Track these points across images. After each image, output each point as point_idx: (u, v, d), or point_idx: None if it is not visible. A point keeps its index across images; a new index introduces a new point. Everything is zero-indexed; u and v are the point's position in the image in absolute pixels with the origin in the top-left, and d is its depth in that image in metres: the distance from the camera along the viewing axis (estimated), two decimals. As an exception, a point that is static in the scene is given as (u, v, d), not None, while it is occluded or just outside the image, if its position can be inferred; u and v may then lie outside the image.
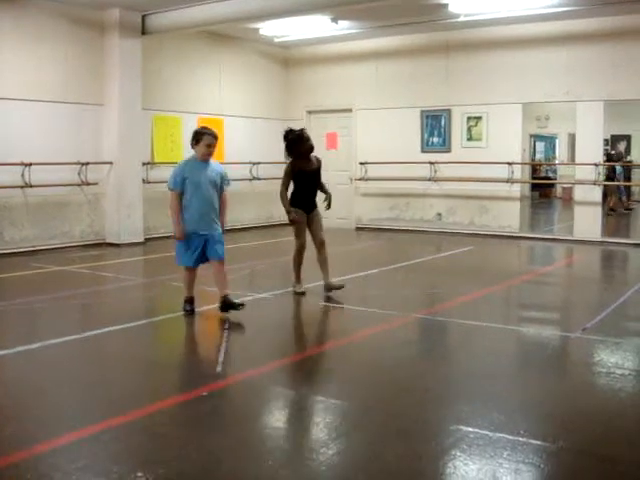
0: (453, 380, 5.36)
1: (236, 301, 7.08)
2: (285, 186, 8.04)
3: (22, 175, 11.34)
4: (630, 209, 20.43)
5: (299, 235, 8.16)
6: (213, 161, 7.14)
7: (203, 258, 7.09)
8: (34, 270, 9.96)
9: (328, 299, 8.00)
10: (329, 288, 8.20)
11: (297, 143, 8.05)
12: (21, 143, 11.36)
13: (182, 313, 7.12)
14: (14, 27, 11.29)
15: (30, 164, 11.35)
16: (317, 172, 8.23)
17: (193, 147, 7.00)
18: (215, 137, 6.98)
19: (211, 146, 6.93)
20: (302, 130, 8.18)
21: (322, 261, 8.24)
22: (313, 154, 8.19)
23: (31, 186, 11.44)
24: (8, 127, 11.24)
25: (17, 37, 11.32)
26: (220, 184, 7.11)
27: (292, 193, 8.19)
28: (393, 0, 10.85)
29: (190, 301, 7.18)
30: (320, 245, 8.22)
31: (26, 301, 7.80)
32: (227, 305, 7.05)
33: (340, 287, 8.19)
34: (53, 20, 11.79)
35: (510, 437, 4.02)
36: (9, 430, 4.21)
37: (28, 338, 6.28)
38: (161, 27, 12.58)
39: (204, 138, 6.91)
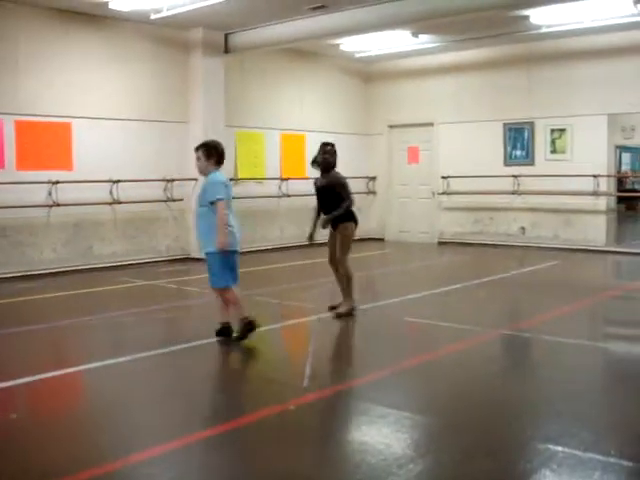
0: (540, 398, 5.27)
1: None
2: None
3: (110, 192, 11.70)
4: None
5: None
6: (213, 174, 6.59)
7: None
8: (122, 284, 10.23)
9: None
10: None
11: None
12: (109, 161, 11.72)
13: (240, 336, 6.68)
14: (103, 48, 11.69)
15: (118, 181, 11.71)
16: None
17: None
18: (196, 149, 6.59)
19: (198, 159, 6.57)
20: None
21: None
22: None
23: (119, 202, 11.79)
24: (97, 145, 11.61)
25: (106, 58, 11.72)
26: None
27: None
28: (474, 14, 10.78)
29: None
30: None
31: (114, 315, 8.03)
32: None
33: None
34: (139, 40, 12.16)
35: (601, 457, 3.94)
36: (105, 440, 4.35)
37: (117, 351, 6.47)
38: (243, 45, 12.82)
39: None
